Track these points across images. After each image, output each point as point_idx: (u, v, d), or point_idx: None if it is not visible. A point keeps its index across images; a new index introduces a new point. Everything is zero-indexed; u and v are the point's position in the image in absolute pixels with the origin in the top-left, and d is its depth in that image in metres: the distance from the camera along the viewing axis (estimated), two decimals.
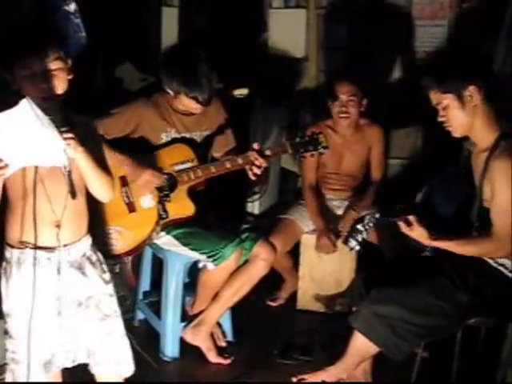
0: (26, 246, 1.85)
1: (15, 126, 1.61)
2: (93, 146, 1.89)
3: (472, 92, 2.25)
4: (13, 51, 1.78)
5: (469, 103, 2.26)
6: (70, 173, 1.77)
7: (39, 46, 1.77)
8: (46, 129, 1.65)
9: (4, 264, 1.92)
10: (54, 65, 1.80)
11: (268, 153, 2.73)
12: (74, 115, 1.87)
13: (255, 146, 2.69)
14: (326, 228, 3.29)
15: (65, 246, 1.90)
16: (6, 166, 1.66)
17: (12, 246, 1.89)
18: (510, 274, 2.34)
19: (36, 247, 1.85)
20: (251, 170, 2.68)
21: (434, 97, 2.31)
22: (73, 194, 1.78)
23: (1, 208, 1.85)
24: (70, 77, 1.87)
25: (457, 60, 2.32)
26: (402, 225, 2.30)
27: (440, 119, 2.33)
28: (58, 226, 1.87)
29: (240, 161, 2.69)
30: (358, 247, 2.44)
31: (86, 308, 1.98)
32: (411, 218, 2.27)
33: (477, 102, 2.26)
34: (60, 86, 1.82)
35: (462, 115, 2.28)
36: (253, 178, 2.70)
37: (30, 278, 1.84)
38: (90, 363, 2.06)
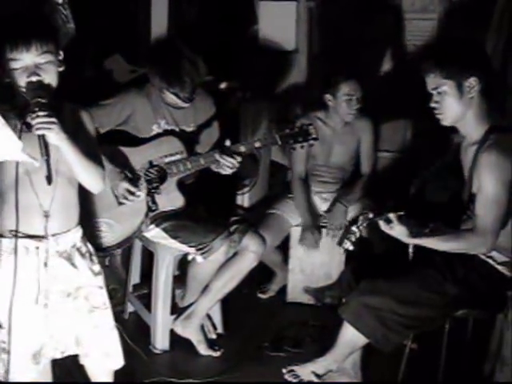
0: (15, 235, 1.85)
1: None
2: (83, 135, 1.89)
3: (472, 83, 2.24)
4: (1, 44, 1.77)
5: (466, 94, 2.26)
6: (48, 158, 1.75)
7: (28, 40, 1.76)
8: (0, 130, 1.67)
9: None
10: (43, 58, 1.79)
11: (257, 145, 2.73)
12: (66, 104, 1.87)
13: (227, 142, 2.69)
14: (312, 223, 3.28)
15: (53, 235, 1.90)
16: None
17: (0, 235, 1.89)
18: (498, 267, 2.35)
19: (25, 236, 1.86)
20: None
21: (433, 81, 2.28)
22: (49, 180, 1.77)
23: None
24: (60, 69, 1.87)
25: (462, 49, 2.30)
26: (381, 223, 2.30)
27: (432, 105, 2.31)
28: (47, 216, 1.87)
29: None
30: (351, 247, 2.44)
31: (74, 299, 1.98)
32: (391, 215, 2.27)
33: (474, 94, 2.26)
34: (50, 78, 1.81)
35: (457, 104, 2.27)
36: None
37: (18, 266, 1.84)
38: (79, 354, 2.06)
